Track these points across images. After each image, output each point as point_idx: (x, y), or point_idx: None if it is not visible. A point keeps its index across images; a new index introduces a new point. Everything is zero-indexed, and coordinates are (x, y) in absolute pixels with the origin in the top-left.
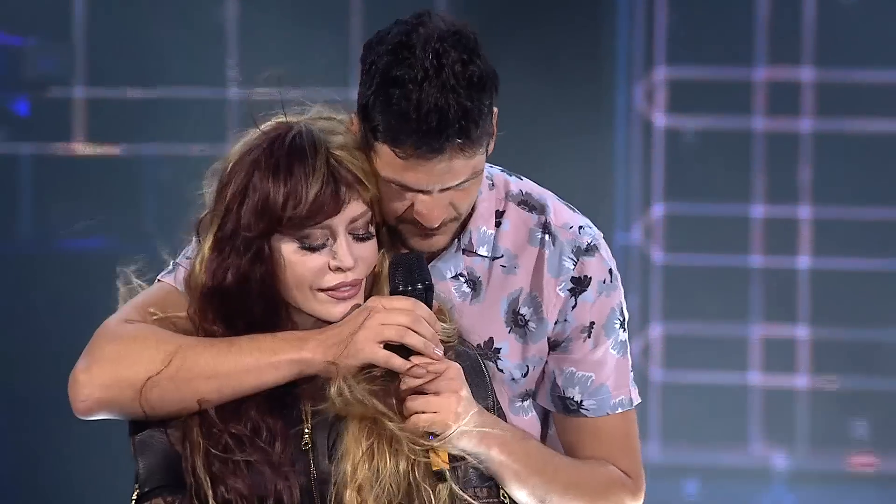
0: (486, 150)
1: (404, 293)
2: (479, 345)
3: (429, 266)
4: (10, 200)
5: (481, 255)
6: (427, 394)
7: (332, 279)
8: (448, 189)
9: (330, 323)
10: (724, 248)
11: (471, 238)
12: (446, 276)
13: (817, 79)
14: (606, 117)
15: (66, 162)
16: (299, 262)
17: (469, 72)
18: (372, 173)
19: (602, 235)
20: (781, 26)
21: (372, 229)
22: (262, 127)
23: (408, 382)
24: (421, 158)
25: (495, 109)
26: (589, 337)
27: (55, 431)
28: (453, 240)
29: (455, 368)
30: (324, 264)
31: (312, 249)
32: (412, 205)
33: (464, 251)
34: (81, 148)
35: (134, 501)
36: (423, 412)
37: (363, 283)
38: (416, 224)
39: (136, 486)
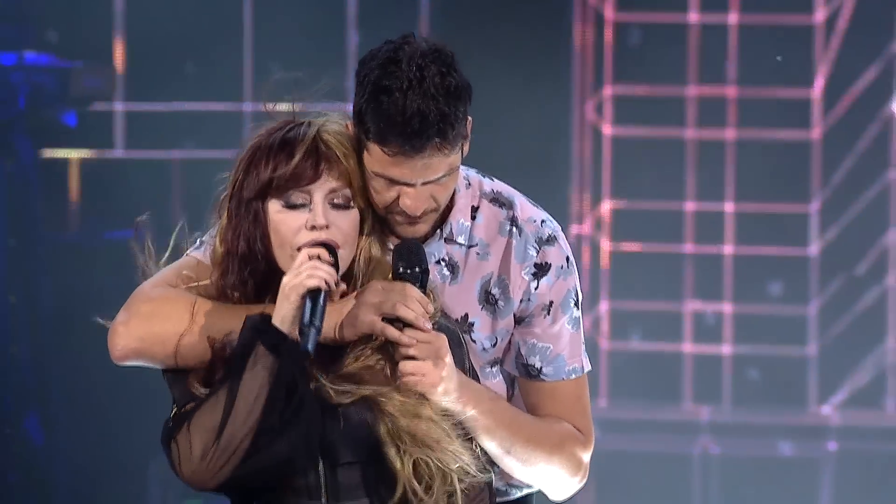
0: (462, 151)
1: (404, 274)
2: (456, 320)
3: (421, 245)
4: (61, 198)
5: (459, 244)
6: (417, 360)
7: (306, 236)
8: (429, 183)
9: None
10: (660, 238)
11: (451, 229)
12: (431, 261)
13: (739, 94)
14: (564, 128)
15: (108, 165)
16: (282, 220)
17: (447, 82)
18: (357, 161)
19: (560, 228)
20: (709, 51)
21: (351, 204)
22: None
23: (401, 350)
24: (405, 156)
25: (469, 118)
26: (548, 314)
27: (108, 402)
28: (435, 230)
29: (441, 339)
30: (302, 223)
31: (293, 207)
32: (398, 196)
33: (445, 240)
34: (121, 153)
35: (172, 416)
36: (413, 374)
37: (338, 263)
38: (401, 213)
39: (174, 406)
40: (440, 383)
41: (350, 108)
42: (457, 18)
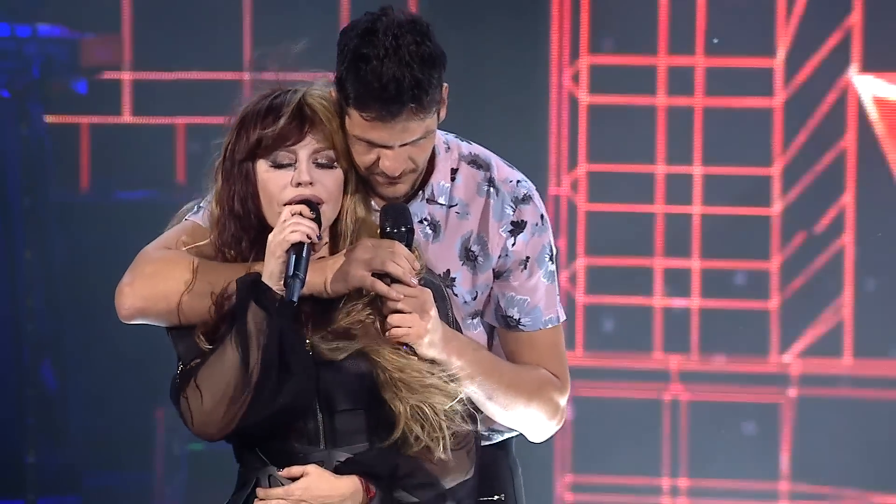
0: (437, 115)
1: (391, 233)
2: (439, 275)
3: (407, 206)
4: (73, 161)
5: (440, 204)
6: (404, 313)
7: (291, 192)
8: (406, 145)
9: None
10: (633, 198)
11: (432, 190)
12: (414, 221)
13: (706, 64)
14: (543, 96)
15: (116, 130)
16: (270, 178)
17: (421, 51)
18: (340, 124)
19: (535, 188)
20: (678, 24)
21: (335, 164)
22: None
23: (389, 304)
24: (383, 121)
25: (445, 84)
26: (525, 268)
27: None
28: (417, 191)
29: (427, 293)
30: (288, 180)
31: (279, 167)
32: (378, 158)
33: (427, 200)
34: (128, 119)
35: (179, 372)
36: (401, 327)
37: (325, 221)
38: (382, 174)
39: (179, 362)
40: (426, 335)
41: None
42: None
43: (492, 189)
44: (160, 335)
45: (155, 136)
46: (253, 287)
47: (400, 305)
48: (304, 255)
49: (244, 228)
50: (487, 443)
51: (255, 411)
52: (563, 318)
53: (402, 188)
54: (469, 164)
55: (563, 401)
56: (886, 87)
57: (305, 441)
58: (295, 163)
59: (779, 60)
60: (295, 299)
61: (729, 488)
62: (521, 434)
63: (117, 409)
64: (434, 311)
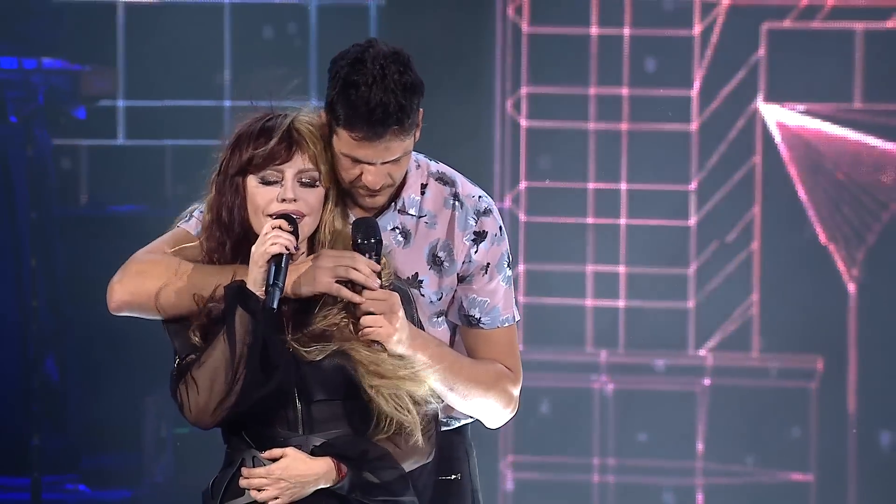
0: (415, 136)
1: (362, 244)
2: (408, 277)
3: (376, 220)
4: (73, 178)
5: (411, 215)
6: (374, 314)
7: (276, 206)
8: (387, 163)
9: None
10: (567, 212)
11: (403, 202)
12: (387, 229)
13: (630, 94)
14: (488, 121)
15: (112, 151)
16: (258, 193)
17: (404, 79)
18: (324, 147)
19: (493, 203)
20: (607, 58)
21: (317, 183)
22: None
23: (362, 307)
24: (368, 140)
25: (421, 109)
26: (486, 273)
27: (117, 360)
28: (390, 203)
29: (394, 296)
30: (275, 195)
31: (267, 183)
32: (361, 174)
33: (399, 211)
34: (122, 142)
35: (176, 366)
36: (372, 327)
37: (306, 229)
38: (364, 187)
39: (176, 357)
40: (395, 333)
41: (314, 103)
42: (401, 38)
43: (457, 203)
44: (150, 333)
45: (146, 157)
46: (239, 293)
47: (370, 308)
48: (282, 266)
49: (229, 235)
50: (447, 428)
51: (242, 402)
52: (518, 318)
53: (380, 199)
54: (437, 180)
55: (516, 391)
56: (788, 115)
57: (286, 427)
58: (282, 180)
59: (695, 90)
60: (274, 306)
61: (651, 466)
62: (477, 420)
63: (111, 398)
64: (401, 313)
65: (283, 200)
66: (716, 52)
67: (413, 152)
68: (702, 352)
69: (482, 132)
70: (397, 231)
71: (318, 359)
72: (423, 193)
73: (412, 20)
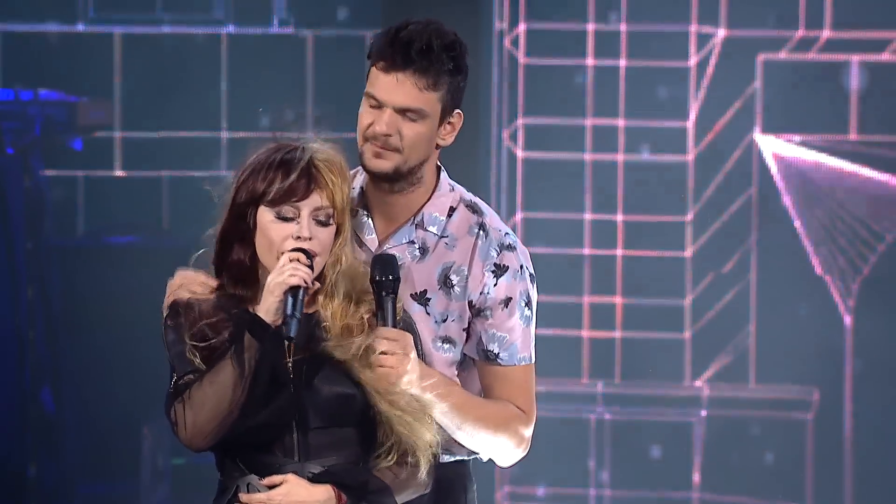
0: (442, 108)
1: (380, 281)
2: (417, 292)
3: (392, 234)
4: (69, 209)
5: (432, 233)
6: (388, 354)
7: (291, 244)
8: (399, 112)
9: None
10: (563, 243)
11: (423, 218)
12: (402, 241)
13: (626, 124)
14: (484, 151)
15: (108, 182)
16: (273, 228)
17: (446, 41)
18: (341, 183)
19: (520, 243)
20: (605, 87)
21: (331, 221)
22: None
23: (376, 346)
24: (386, 72)
25: (459, 112)
26: (506, 307)
27: (115, 389)
28: (410, 218)
29: (407, 337)
30: (290, 233)
31: (284, 219)
32: (373, 123)
33: (416, 225)
34: (119, 173)
35: (173, 384)
36: (383, 367)
37: (320, 264)
38: (372, 140)
39: (174, 374)
40: (406, 374)
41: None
42: None
43: (482, 232)
44: (146, 363)
45: (142, 188)
46: (250, 321)
47: (384, 347)
48: (300, 297)
49: (234, 258)
50: (449, 459)
51: (240, 425)
52: (534, 360)
53: (385, 164)
54: (466, 207)
55: (528, 432)
56: (784, 146)
57: (282, 454)
58: (297, 217)
59: (691, 122)
60: (293, 335)
61: (648, 497)
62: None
63: (107, 428)
64: (413, 354)
65: (299, 238)
66: (712, 84)
67: (453, 182)
68: (698, 383)
69: (478, 163)
70: (414, 245)
71: (320, 385)
72: (449, 216)
73: None
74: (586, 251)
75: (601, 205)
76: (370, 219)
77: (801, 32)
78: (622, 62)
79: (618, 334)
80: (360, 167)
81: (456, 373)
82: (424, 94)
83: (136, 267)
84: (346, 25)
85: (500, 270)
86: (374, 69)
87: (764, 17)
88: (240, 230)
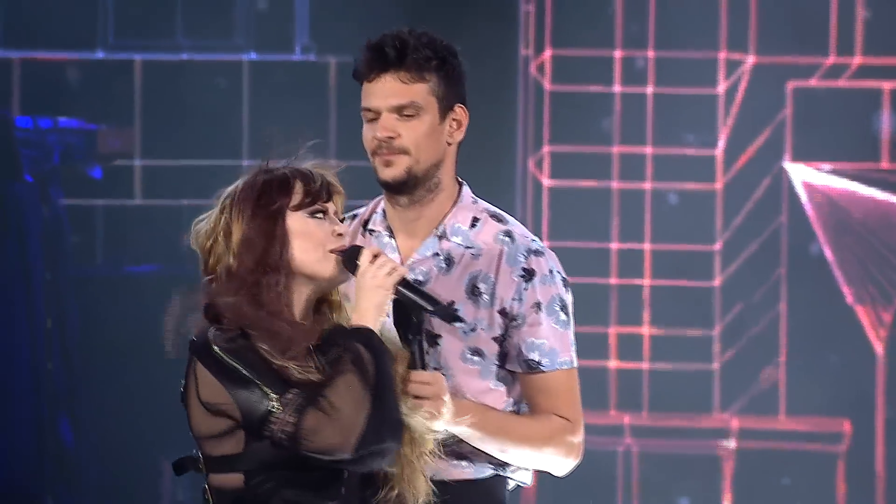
0: (438, 100)
1: (405, 326)
2: (443, 303)
3: (415, 249)
4: (89, 238)
5: (457, 243)
6: (421, 398)
7: (336, 241)
8: (394, 112)
9: (332, 281)
10: (589, 272)
11: (445, 229)
12: (426, 255)
13: (654, 152)
14: (509, 179)
15: (128, 211)
16: (314, 226)
17: (419, 32)
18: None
19: (549, 250)
20: (632, 115)
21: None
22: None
23: (410, 391)
24: (369, 80)
25: (462, 107)
26: (540, 311)
27: (136, 418)
28: (432, 230)
29: (440, 380)
30: (329, 230)
31: (318, 217)
32: (374, 134)
33: (439, 237)
34: (139, 202)
35: (279, 401)
36: (419, 410)
37: None
38: (378, 153)
39: (271, 398)
40: (440, 417)
41: (333, 162)
42: None
43: (508, 239)
44: (166, 394)
45: (163, 217)
46: (362, 333)
47: (417, 392)
48: (413, 286)
49: (277, 274)
50: (481, 475)
51: (387, 426)
52: (575, 363)
53: (396, 170)
54: (491, 217)
55: (576, 439)
56: (814, 174)
57: (326, 496)
58: (325, 215)
59: (720, 150)
60: (460, 314)
61: None
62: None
63: (126, 460)
64: (447, 396)
65: (340, 235)
66: (741, 111)
67: (473, 195)
68: (727, 415)
69: (503, 191)
70: (439, 257)
71: None
72: (473, 226)
73: None
74: (613, 280)
75: (628, 234)
76: (392, 238)
77: (831, 59)
78: (650, 89)
79: (645, 365)
80: (380, 197)
81: (489, 386)
82: (411, 87)
83: (157, 297)
84: None
85: (528, 275)
86: (363, 87)
87: (794, 44)
88: (273, 249)
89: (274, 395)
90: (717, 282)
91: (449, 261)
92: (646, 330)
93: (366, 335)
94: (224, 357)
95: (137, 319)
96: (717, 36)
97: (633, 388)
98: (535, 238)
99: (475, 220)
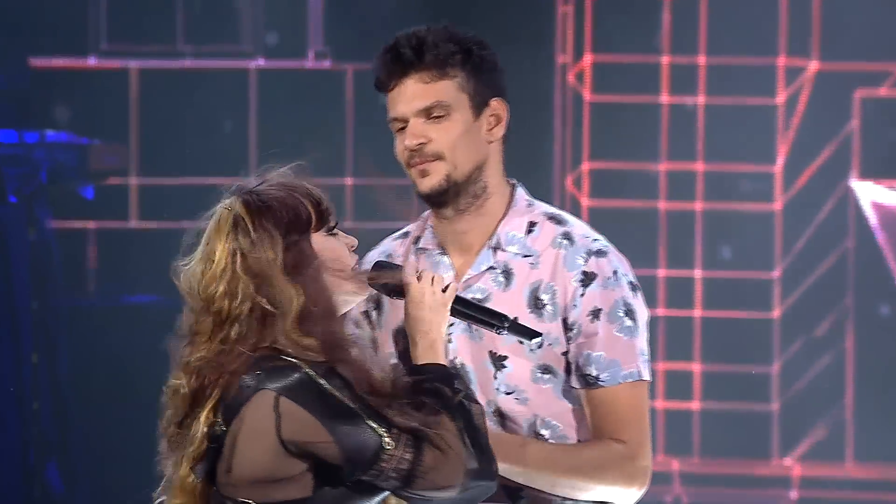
0: (469, 96)
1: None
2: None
3: (469, 266)
4: (79, 264)
5: (514, 253)
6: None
7: (354, 257)
8: (421, 115)
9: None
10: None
11: (499, 239)
12: (481, 270)
13: (706, 169)
14: (545, 199)
15: (122, 234)
16: (334, 245)
17: (437, 27)
18: None
19: (616, 251)
20: (681, 128)
21: None
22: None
23: None
24: (391, 87)
25: (499, 100)
26: (597, 319)
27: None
28: (485, 243)
29: None
30: (346, 245)
31: (334, 234)
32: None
33: (493, 249)
34: (134, 224)
35: (390, 437)
36: None
37: None
38: (412, 164)
39: (379, 430)
40: None
41: (350, 181)
42: None
43: (566, 241)
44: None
45: (161, 241)
46: (447, 373)
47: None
48: (471, 301)
49: (328, 301)
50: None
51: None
52: (645, 376)
53: (433, 179)
54: (549, 219)
55: (637, 464)
56: (884, 193)
57: None
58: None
59: (779, 166)
60: (536, 330)
61: None
62: None
63: None
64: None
65: (354, 250)
66: (802, 123)
67: (529, 197)
68: (787, 461)
69: None
70: (496, 270)
71: None
72: (530, 231)
73: None
74: (661, 311)
75: (677, 259)
76: (445, 255)
77: None
78: (701, 99)
79: (696, 405)
80: (429, 212)
81: (569, 406)
82: (435, 86)
83: (155, 330)
84: None
85: (587, 279)
86: (387, 97)
87: (862, 48)
88: (320, 277)
89: (383, 431)
90: (776, 313)
91: (507, 273)
92: (696, 366)
93: (451, 372)
94: (335, 392)
95: (134, 354)
96: (776, 39)
97: (683, 431)
98: (600, 238)
99: (531, 224)
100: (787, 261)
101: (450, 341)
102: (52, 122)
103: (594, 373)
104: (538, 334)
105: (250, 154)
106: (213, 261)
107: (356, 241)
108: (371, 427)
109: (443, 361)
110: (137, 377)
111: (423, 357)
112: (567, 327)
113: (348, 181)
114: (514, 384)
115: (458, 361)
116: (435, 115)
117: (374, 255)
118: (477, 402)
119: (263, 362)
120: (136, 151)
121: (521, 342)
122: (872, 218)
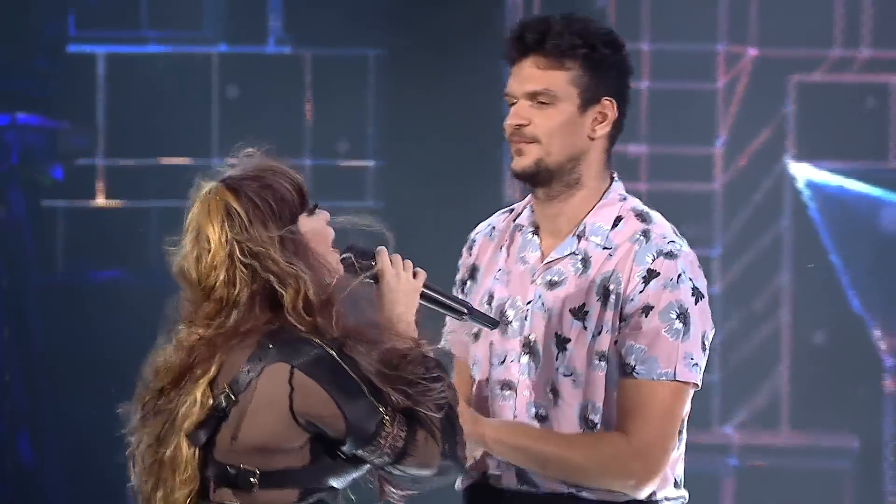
0: (580, 91)
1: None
2: (576, 307)
3: (554, 248)
4: (49, 243)
5: (595, 243)
6: None
7: (332, 232)
8: (528, 97)
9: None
10: None
11: (584, 228)
12: (564, 254)
13: (649, 152)
14: (501, 183)
15: (91, 213)
16: (319, 225)
17: (566, 17)
18: None
19: (694, 256)
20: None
21: None
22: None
23: None
24: (511, 64)
25: (610, 100)
26: (645, 315)
27: (101, 430)
28: (573, 230)
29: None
30: (327, 227)
31: (314, 213)
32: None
33: (578, 237)
34: (101, 203)
35: (389, 418)
36: None
37: None
38: (512, 141)
39: (381, 412)
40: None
41: (308, 162)
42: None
43: (643, 238)
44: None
45: (128, 220)
46: (432, 360)
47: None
48: (437, 288)
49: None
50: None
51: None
52: (684, 379)
53: (525, 160)
54: (636, 216)
55: (635, 462)
56: (819, 174)
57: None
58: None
59: (718, 148)
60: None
61: None
62: None
63: (92, 482)
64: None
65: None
66: (741, 107)
67: (624, 191)
68: (727, 429)
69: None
70: (577, 257)
71: None
72: (615, 226)
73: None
74: None
75: None
76: (537, 235)
77: (837, 52)
78: (644, 84)
79: None
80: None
81: (614, 394)
82: (548, 74)
83: (122, 305)
84: (347, 44)
85: (650, 276)
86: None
87: (797, 35)
88: (321, 257)
89: (382, 409)
90: (715, 289)
91: (585, 261)
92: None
93: (427, 356)
94: (346, 369)
95: (102, 328)
96: (715, 27)
97: None
98: (675, 240)
99: (618, 219)
100: (726, 238)
101: (526, 318)
102: (22, 105)
103: (632, 363)
104: (497, 323)
105: (213, 136)
106: (209, 250)
107: (328, 214)
108: (374, 404)
109: (407, 319)
110: (104, 350)
111: (399, 341)
112: (622, 318)
113: (307, 162)
114: (573, 367)
115: (531, 338)
116: (541, 100)
117: (482, 228)
118: (452, 388)
119: (273, 338)
120: (104, 133)
121: (584, 327)
122: (807, 197)
